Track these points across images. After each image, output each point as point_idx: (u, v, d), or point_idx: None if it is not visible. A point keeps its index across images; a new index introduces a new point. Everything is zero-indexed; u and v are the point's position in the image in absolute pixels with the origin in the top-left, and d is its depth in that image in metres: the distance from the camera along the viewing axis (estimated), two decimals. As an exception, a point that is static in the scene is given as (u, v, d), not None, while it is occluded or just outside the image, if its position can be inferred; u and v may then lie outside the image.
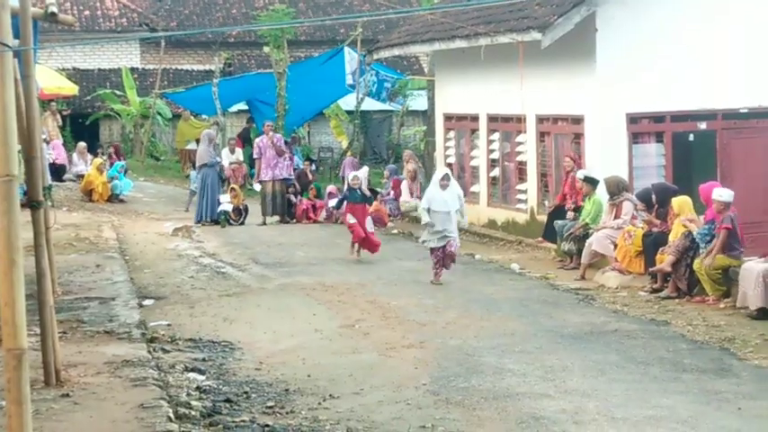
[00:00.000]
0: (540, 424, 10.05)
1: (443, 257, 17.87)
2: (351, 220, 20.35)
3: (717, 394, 11.08)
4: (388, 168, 29.83)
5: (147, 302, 15.96)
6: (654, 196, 17.85)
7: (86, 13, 45.59)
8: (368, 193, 22.40)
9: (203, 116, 35.20)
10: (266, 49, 35.53)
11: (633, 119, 20.77)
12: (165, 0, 48.83)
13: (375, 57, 30.49)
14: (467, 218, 19.64)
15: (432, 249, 18.11)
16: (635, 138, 20.90)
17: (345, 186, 23.53)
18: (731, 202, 15.92)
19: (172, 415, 9.68)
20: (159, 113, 40.56)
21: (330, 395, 11.06)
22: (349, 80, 31.03)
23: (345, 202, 21.22)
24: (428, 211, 18.05)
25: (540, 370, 12.12)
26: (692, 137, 21.17)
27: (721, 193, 16.00)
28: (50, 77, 32.71)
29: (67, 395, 10.14)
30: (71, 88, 35.48)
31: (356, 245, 20.49)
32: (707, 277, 15.80)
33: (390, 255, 21.35)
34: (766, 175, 20.50)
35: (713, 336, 13.85)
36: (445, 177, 18.65)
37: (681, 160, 21.01)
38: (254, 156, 28.01)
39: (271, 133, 27.23)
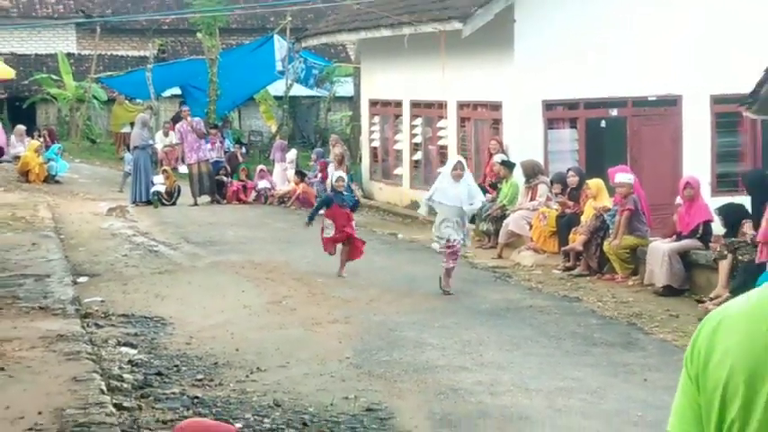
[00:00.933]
0: (458, 395, 10.18)
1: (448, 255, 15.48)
2: (328, 231, 16.72)
3: (624, 366, 11.34)
4: (315, 152, 29.52)
5: (81, 279, 15.81)
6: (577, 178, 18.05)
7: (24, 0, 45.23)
8: (358, 196, 20.45)
9: (137, 100, 35.06)
10: (199, 35, 35.13)
11: (549, 105, 20.99)
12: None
13: (303, 45, 30.40)
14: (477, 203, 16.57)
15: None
16: (550, 124, 21.16)
17: (329, 188, 21.74)
18: (631, 183, 16.27)
19: (104, 387, 9.62)
20: (95, 97, 39.99)
21: (257, 368, 11.03)
22: (278, 67, 30.82)
23: (325, 208, 17.38)
24: (432, 203, 16.02)
25: (458, 344, 12.22)
26: (603, 123, 21.40)
27: (623, 178, 16.37)
28: (-13, 62, 32.58)
29: (2, 369, 10.06)
30: (8, 72, 35.25)
31: (341, 258, 16.91)
32: (616, 256, 16.13)
33: (316, 232, 20.91)
34: (673, 159, 20.78)
35: (621, 311, 14.14)
36: (458, 166, 16.00)
37: (593, 145, 21.12)
38: (176, 141, 28.25)
39: (189, 118, 27.17)
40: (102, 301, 14.37)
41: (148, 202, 26.19)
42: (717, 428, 2.93)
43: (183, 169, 28.17)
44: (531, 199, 19.07)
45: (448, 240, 15.37)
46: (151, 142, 27.44)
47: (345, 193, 17.94)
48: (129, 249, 19.42)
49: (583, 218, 17.14)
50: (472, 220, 19.87)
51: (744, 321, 2.91)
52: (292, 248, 19.41)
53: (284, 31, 31.77)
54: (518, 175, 19.81)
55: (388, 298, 15.01)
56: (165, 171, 27.31)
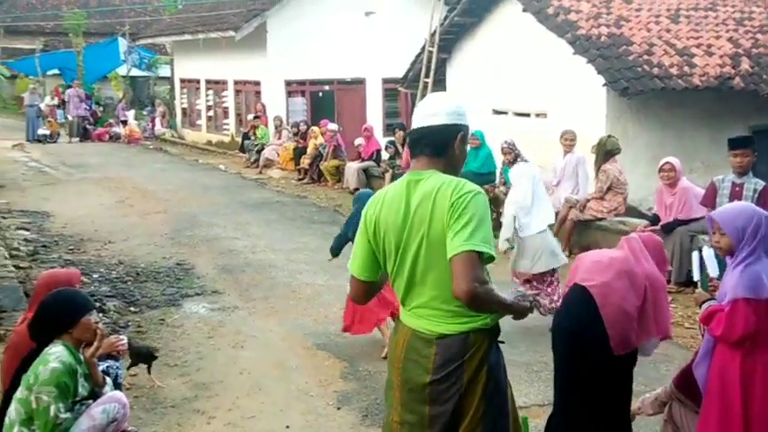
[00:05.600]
0: (232, 254, 10.15)
1: None
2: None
3: (330, 235, 10.28)
4: (146, 110, 29.03)
5: None
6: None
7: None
8: None
9: (30, 76, 32.90)
10: (71, 36, 33.73)
11: (288, 83, 20.76)
12: (4, 4, 44.95)
13: (138, 43, 29.36)
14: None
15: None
16: (289, 94, 20.95)
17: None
18: (336, 130, 16.47)
19: (7, 254, 9.38)
20: (1, 75, 37.65)
21: (109, 241, 10.83)
22: (123, 57, 29.79)
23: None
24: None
25: (233, 224, 12.11)
26: (321, 94, 21.28)
27: (331, 126, 16.60)
28: None
29: None
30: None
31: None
32: (327, 172, 16.24)
33: (148, 160, 20.58)
34: (361, 116, 20.64)
35: (330, 203, 14.19)
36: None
37: (315, 107, 21.02)
38: (66, 100, 26.91)
39: (76, 88, 26.46)
40: (6, 203, 13.75)
41: (38, 141, 24.55)
42: (384, 263, 3.14)
43: (69, 117, 26.54)
44: (278, 138, 18.91)
45: None
46: (37, 103, 25.71)
47: None
48: (26, 170, 18.28)
49: (309, 150, 17.09)
50: (243, 151, 19.91)
51: (389, 201, 3.06)
52: (132, 169, 18.53)
53: (125, 34, 30.35)
54: (271, 126, 19.56)
55: (191, 198, 14.59)
56: (49, 121, 25.81)
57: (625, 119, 12.08)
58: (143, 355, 5.81)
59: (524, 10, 13.00)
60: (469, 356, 2.98)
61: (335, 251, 7.22)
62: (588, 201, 10.18)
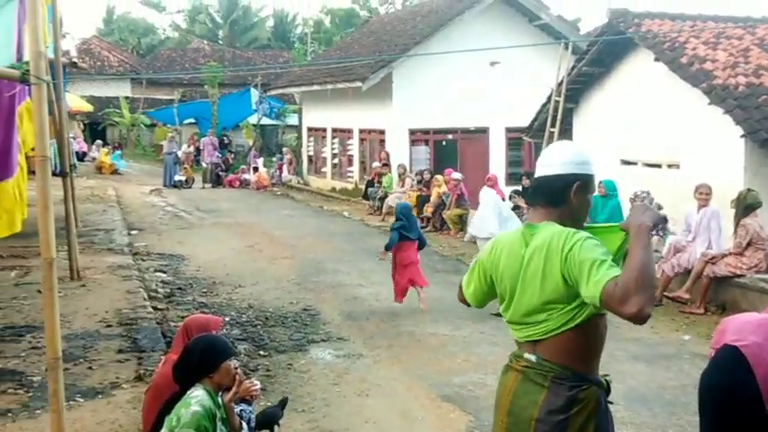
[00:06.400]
0: (357, 300, 10.26)
1: None
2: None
3: (454, 285, 10.86)
4: (276, 158, 30.05)
5: (133, 232, 15.70)
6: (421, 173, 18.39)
7: (98, 63, 44.15)
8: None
9: (168, 125, 34.76)
10: (206, 87, 35.33)
11: (412, 131, 21.05)
12: (147, 57, 47.89)
13: (268, 93, 30.41)
14: None
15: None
16: (413, 143, 21.20)
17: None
18: (460, 179, 16.42)
19: (146, 296, 9.71)
20: (143, 124, 40.03)
21: (239, 285, 11.02)
22: (254, 106, 30.96)
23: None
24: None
25: (357, 271, 12.19)
26: (444, 143, 21.43)
27: (455, 175, 16.54)
28: (77, 101, 31.95)
29: (84, 285, 10.11)
30: (88, 107, 34.62)
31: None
32: (450, 220, 16.22)
33: (275, 206, 21.09)
34: (483, 164, 20.81)
35: (453, 252, 14.15)
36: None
37: (438, 156, 21.20)
38: (200, 148, 28.31)
39: (210, 137, 27.81)
40: (145, 245, 14.30)
41: (174, 186, 25.83)
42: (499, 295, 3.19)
43: (203, 164, 28.01)
44: (401, 186, 19.07)
45: None
46: (174, 150, 27.12)
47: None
48: (162, 214, 19.13)
49: (432, 198, 17.13)
50: (366, 198, 20.24)
51: (505, 249, 3.04)
52: (261, 215, 19.13)
53: (257, 85, 31.63)
54: (394, 172, 19.79)
55: (316, 244, 14.85)
56: (184, 168, 27.18)
57: (765, 171, 11.51)
58: (268, 419, 5.60)
59: (656, 59, 12.70)
60: (575, 412, 2.91)
61: (389, 248, 9.91)
62: (725, 256, 9.70)
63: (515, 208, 14.81)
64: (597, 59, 14.42)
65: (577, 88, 15.28)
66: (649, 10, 14.02)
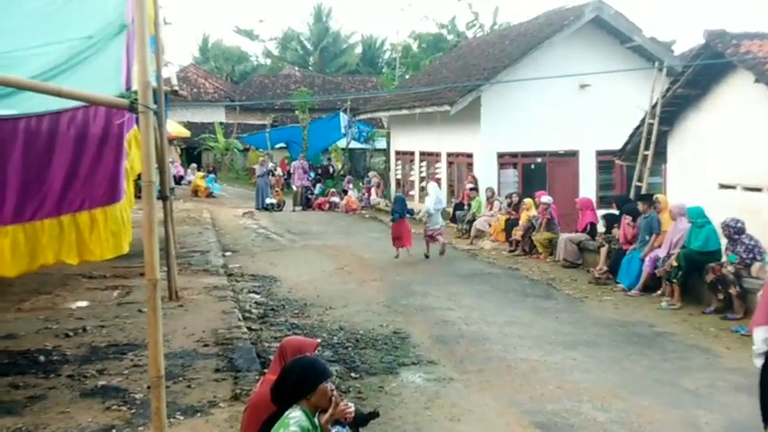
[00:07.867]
0: (446, 324, 10.21)
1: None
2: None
3: (544, 310, 11.16)
4: (365, 181, 30.32)
5: (227, 254, 15.96)
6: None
7: (195, 90, 45.61)
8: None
9: (260, 149, 35.63)
10: (297, 112, 36.02)
11: (500, 155, 20.84)
12: (240, 84, 49.37)
13: (357, 118, 30.80)
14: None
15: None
16: (501, 166, 21.01)
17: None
18: (550, 203, 16.16)
19: (240, 316, 9.91)
20: (236, 148, 41.16)
21: (330, 307, 11.13)
22: (343, 131, 31.38)
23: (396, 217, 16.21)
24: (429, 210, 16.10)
25: (446, 294, 12.20)
26: (533, 166, 21.21)
27: (544, 198, 16.27)
28: (175, 126, 33.19)
29: (181, 305, 10.34)
30: (185, 132, 35.89)
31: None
32: (539, 244, 15.98)
33: (364, 229, 21.29)
34: (573, 188, 20.58)
35: (543, 277, 13.95)
36: (427, 188, 17.34)
37: (527, 179, 20.98)
38: (291, 171, 28.92)
39: (301, 161, 28.37)
40: (239, 267, 14.52)
41: (266, 209, 26.30)
42: None
43: (293, 187, 28.53)
44: (490, 209, 18.94)
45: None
46: (268, 168, 27.80)
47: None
48: (255, 236, 19.45)
49: (521, 221, 16.96)
50: (454, 221, 20.17)
51: None
52: (350, 237, 19.35)
53: (346, 110, 32.09)
54: (482, 196, 19.64)
55: (405, 266, 14.94)
56: (276, 191, 27.79)
57: None
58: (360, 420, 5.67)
59: (757, 80, 12.26)
60: None
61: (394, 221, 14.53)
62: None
63: (608, 231, 14.48)
64: (693, 81, 14.03)
65: (672, 111, 14.88)
66: (746, 30, 13.55)
